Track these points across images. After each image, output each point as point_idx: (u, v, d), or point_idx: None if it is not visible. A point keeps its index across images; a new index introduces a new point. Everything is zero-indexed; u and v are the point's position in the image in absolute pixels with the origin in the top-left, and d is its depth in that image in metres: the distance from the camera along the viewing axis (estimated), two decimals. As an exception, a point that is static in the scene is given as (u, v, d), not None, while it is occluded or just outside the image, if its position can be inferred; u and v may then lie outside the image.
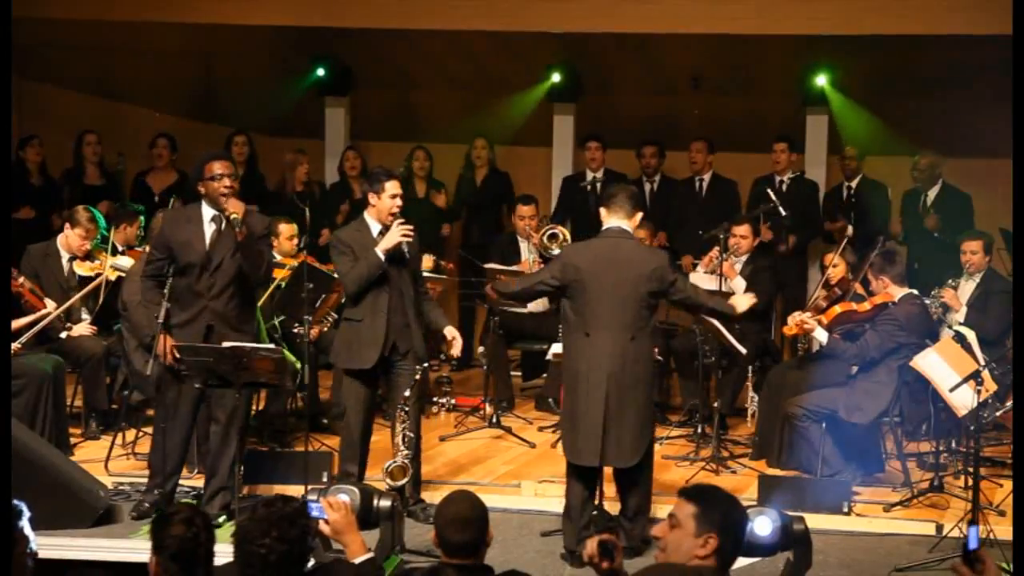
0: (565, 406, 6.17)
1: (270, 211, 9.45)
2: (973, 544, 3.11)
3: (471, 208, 10.42)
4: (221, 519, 6.28)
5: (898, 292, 7.14)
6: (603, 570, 3.59)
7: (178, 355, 6.17)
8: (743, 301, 6.44)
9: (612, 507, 6.24)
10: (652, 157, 10.07)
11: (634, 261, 5.99)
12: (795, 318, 7.38)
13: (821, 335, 7.23)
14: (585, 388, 5.94)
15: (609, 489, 6.26)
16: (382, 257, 6.39)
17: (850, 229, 9.21)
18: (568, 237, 8.66)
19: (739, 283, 8.34)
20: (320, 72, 10.85)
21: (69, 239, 7.88)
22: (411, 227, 6.43)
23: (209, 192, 6.25)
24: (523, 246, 9.13)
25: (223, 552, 4.02)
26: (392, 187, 6.51)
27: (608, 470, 6.16)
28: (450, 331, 6.66)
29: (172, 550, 3.71)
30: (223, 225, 6.23)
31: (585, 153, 10.18)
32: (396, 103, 11.35)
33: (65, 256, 7.95)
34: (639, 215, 6.15)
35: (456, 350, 6.70)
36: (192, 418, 6.44)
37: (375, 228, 6.52)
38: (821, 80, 10.08)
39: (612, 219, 6.08)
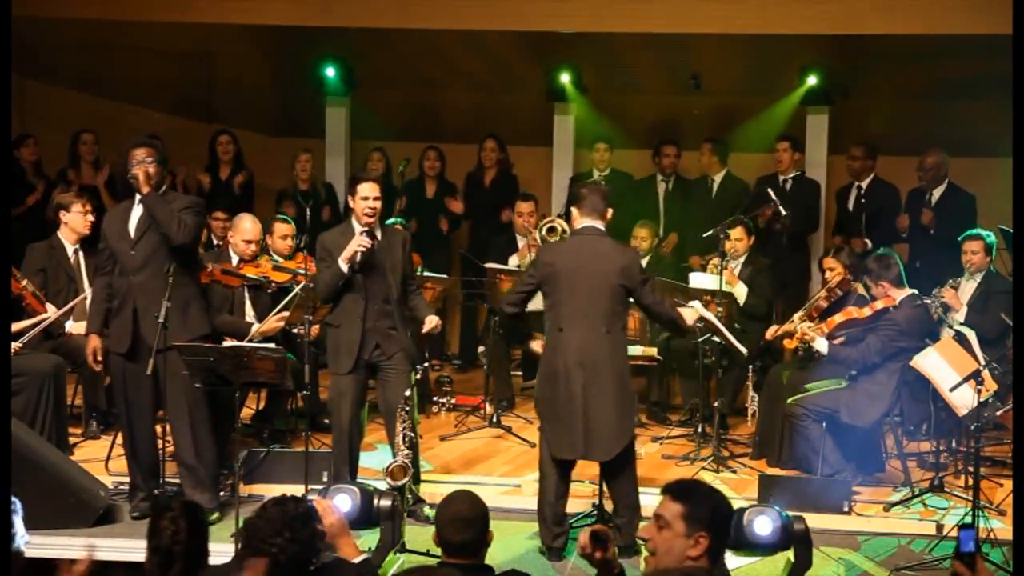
0: (543, 401, 6.19)
1: (272, 209, 9.48)
2: (965, 547, 3.11)
3: (478, 208, 10.40)
4: (214, 516, 6.29)
5: (899, 295, 7.13)
6: (596, 560, 3.59)
7: (99, 358, 6.31)
8: (689, 315, 6.59)
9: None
10: (674, 157, 10.08)
11: (605, 257, 6.05)
12: (772, 332, 7.55)
13: (822, 345, 7.23)
14: (563, 382, 6.00)
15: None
16: (344, 268, 6.41)
17: (869, 244, 9.22)
18: (567, 229, 8.66)
19: (741, 288, 8.36)
20: (331, 72, 10.80)
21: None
22: (368, 240, 6.40)
23: (132, 177, 6.29)
24: (521, 243, 9.13)
25: (221, 552, 4.02)
26: (364, 190, 6.49)
27: (595, 469, 6.20)
28: (429, 320, 6.66)
29: (154, 544, 3.76)
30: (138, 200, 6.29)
31: (594, 154, 10.17)
32: (396, 103, 11.35)
33: (70, 248, 7.96)
34: (610, 212, 6.19)
35: (436, 328, 6.72)
36: (153, 414, 6.43)
37: (359, 231, 6.51)
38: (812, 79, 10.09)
39: (585, 219, 6.14)
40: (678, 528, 3.36)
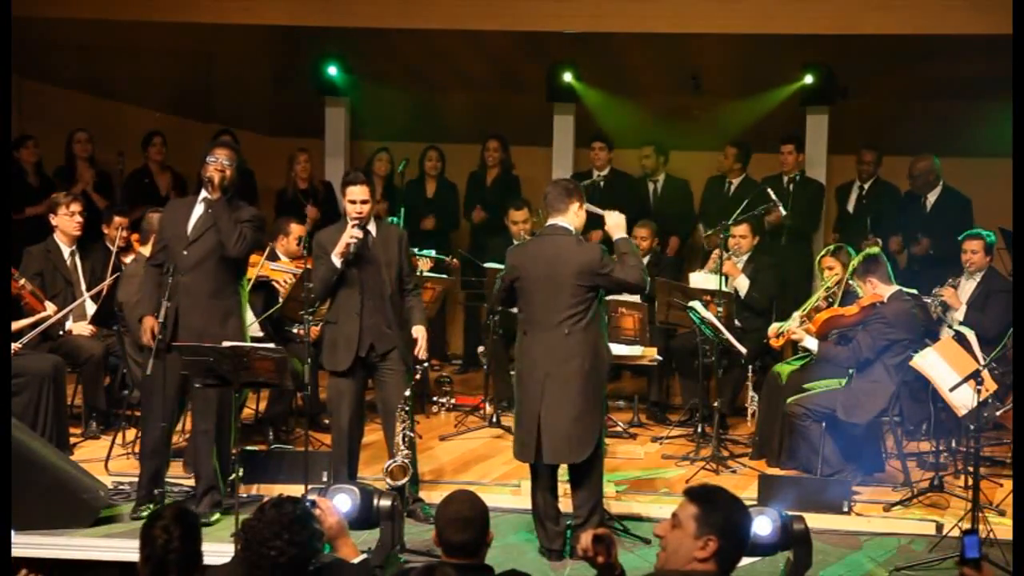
0: (516, 404, 6.19)
1: (274, 212, 9.49)
2: (970, 553, 3.12)
3: (480, 208, 10.39)
4: (214, 518, 6.29)
5: (887, 291, 7.16)
6: (598, 564, 3.60)
7: (159, 334, 6.19)
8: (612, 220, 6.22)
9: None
10: (648, 157, 10.07)
11: (565, 257, 5.97)
12: (774, 329, 7.57)
13: (811, 344, 7.23)
14: (526, 386, 6.00)
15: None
16: (337, 263, 6.40)
17: (880, 243, 9.22)
18: None
19: (742, 281, 8.37)
20: (333, 70, 10.79)
21: None
22: (359, 232, 6.38)
23: (205, 173, 6.30)
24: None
25: (220, 552, 4.02)
26: (351, 192, 6.46)
27: (562, 470, 6.18)
28: (416, 330, 6.57)
29: (146, 553, 3.72)
30: (208, 207, 6.28)
31: (590, 153, 10.18)
32: (396, 103, 11.35)
33: (66, 250, 7.96)
34: (575, 204, 6.07)
35: (421, 351, 6.58)
36: (174, 416, 6.42)
37: (350, 224, 6.49)
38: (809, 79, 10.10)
39: (550, 218, 6.11)
40: (689, 529, 3.41)
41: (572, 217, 6.07)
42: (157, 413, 6.33)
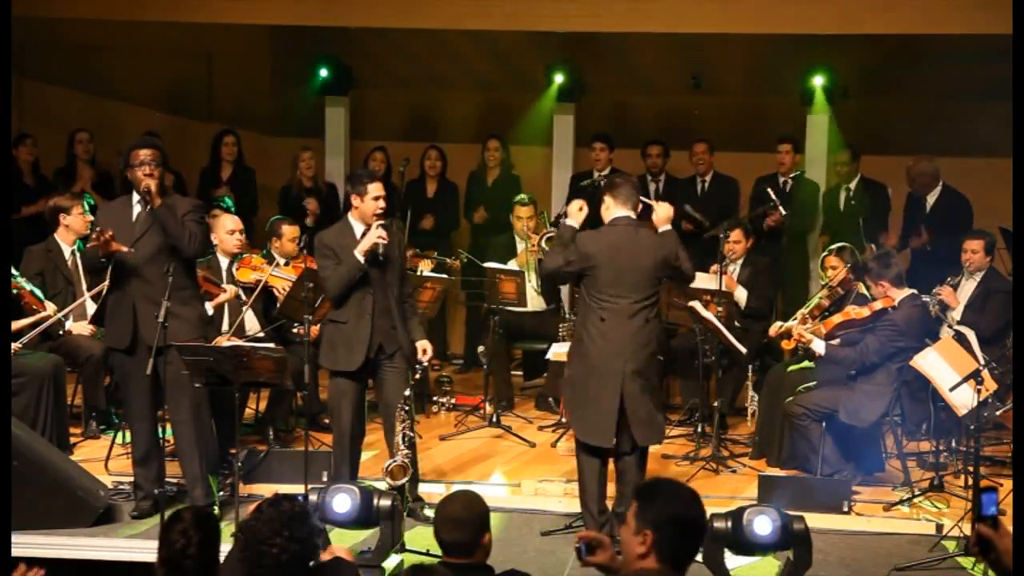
0: (578, 390, 6.19)
1: (277, 210, 9.49)
2: (987, 510, 3.12)
3: (483, 208, 10.38)
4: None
5: (898, 295, 7.12)
6: (594, 565, 3.59)
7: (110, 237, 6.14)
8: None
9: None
10: (658, 157, 10.08)
11: (648, 248, 6.15)
12: (775, 329, 7.55)
13: (819, 346, 7.22)
14: (601, 371, 6.04)
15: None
16: (361, 259, 6.41)
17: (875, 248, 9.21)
18: None
19: (740, 292, 8.36)
20: (324, 73, 10.81)
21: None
22: (385, 232, 6.41)
23: (135, 178, 6.25)
24: (520, 247, 9.11)
25: (222, 553, 4.01)
26: (375, 189, 6.51)
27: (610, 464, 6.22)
28: (421, 344, 6.61)
29: (164, 554, 3.72)
30: (146, 206, 6.25)
31: (591, 153, 10.18)
32: (396, 102, 11.36)
33: (67, 250, 7.96)
34: (639, 205, 6.30)
35: (425, 359, 6.67)
36: (153, 413, 6.42)
37: (358, 229, 6.51)
38: (819, 80, 10.08)
39: (619, 209, 6.19)
40: (631, 525, 3.36)
41: (633, 214, 6.21)
42: (137, 413, 6.37)
